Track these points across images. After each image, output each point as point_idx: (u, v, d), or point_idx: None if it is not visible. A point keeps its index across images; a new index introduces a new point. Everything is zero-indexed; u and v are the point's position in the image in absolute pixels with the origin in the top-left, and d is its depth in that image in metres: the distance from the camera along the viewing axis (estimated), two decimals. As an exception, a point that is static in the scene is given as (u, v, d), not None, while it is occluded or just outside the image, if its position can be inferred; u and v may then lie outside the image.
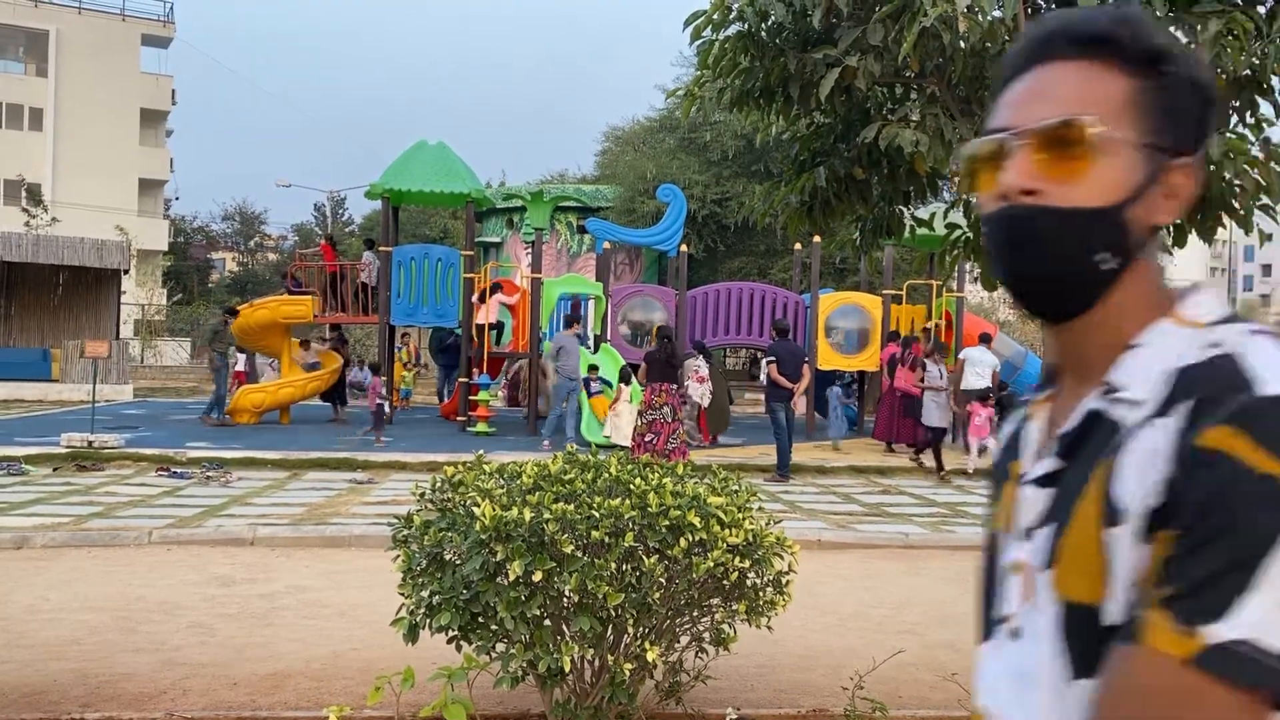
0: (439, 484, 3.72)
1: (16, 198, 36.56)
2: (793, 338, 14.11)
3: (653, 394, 11.54)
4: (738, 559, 3.39)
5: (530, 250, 16.55)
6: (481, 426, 14.87)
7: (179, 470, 10.94)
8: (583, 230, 22.96)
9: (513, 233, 25.81)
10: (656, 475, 3.59)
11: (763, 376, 15.41)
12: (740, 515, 3.51)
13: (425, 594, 3.46)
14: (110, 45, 44.28)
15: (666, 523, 3.33)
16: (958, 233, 4.84)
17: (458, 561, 3.42)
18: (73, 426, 13.27)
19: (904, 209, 4.75)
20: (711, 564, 3.30)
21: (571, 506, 3.33)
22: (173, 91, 47.95)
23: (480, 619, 3.42)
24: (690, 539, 3.33)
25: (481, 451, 4.16)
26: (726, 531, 3.39)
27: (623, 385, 13.93)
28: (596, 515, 3.31)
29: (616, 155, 28.41)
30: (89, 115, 43.14)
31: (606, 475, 3.62)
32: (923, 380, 12.42)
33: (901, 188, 4.56)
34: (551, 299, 16.40)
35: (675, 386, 11.76)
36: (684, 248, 17.12)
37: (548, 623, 3.37)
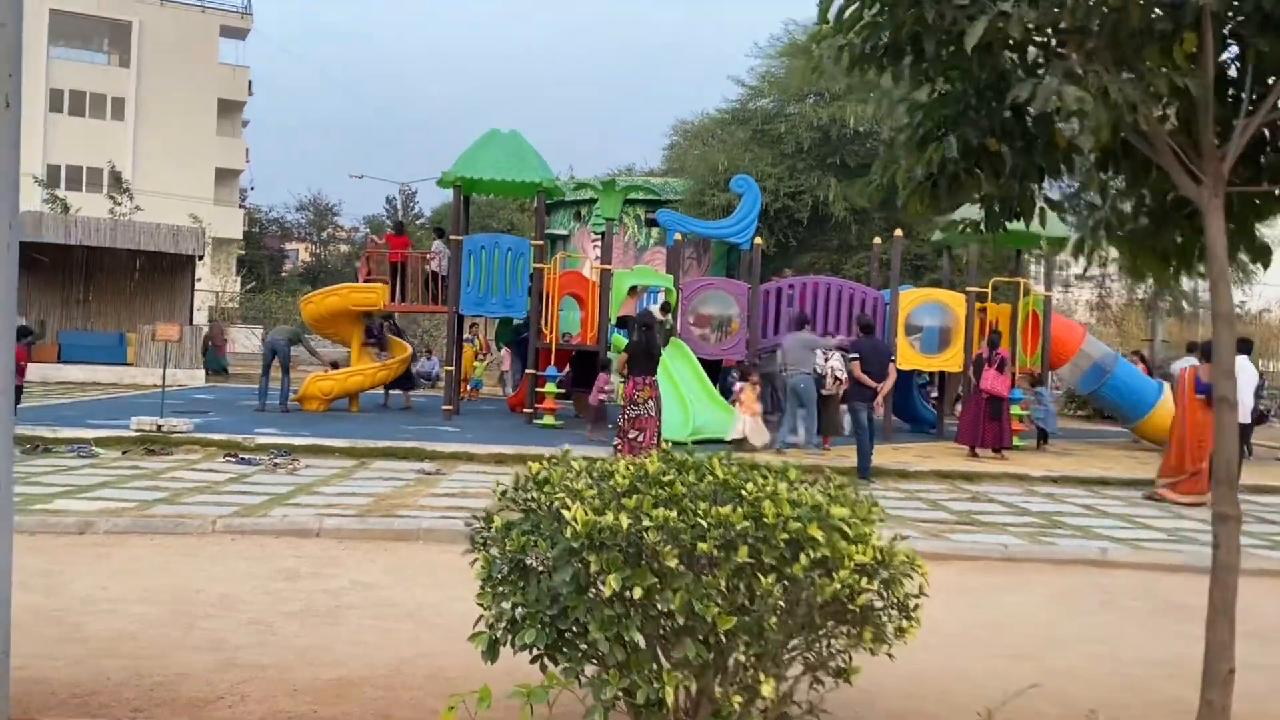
0: (522, 481, 3.34)
1: (98, 185, 37.39)
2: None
3: (635, 388, 10.66)
4: (865, 580, 2.94)
5: (599, 242, 16.17)
6: (547, 419, 14.60)
7: (246, 457, 10.81)
8: (650, 223, 22.49)
9: (580, 225, 25.47)
10: (770, 481, 3.15)
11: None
12: (866, 529, 3.06)
13: (506, 605, 3.08)
14: (190, 36, 45.15)
15: (785, 536, 2.89)
16: (1099, 214, 4.31)
17: (543, 570, 3.03)
18: (144, 410, 13.26)
19: (1037, 186, 4.24)
20: (839, 585, 2.85)
21: (674, 513, 2.92)
22: (249, 83, 48.77)
23: (567, 635, 3.02)
24: (811, 555, 2.89)
25: (567, 446, 3.77)
26: (853, 548, 2.94)
27: (741, 382, 13.29)
28: (704, 524, 2.88)
29: (685, 149, 27.86)
30: (168, 105, 44.03)
31: (711, 478, 3.19)
32: None
33: (1036, 162, 4.06)
34: (621, 290, 16.03)
35: (655, 379, 10.86)
36: (757, 240, 16.60)
37: (643, 645, 2.96)
